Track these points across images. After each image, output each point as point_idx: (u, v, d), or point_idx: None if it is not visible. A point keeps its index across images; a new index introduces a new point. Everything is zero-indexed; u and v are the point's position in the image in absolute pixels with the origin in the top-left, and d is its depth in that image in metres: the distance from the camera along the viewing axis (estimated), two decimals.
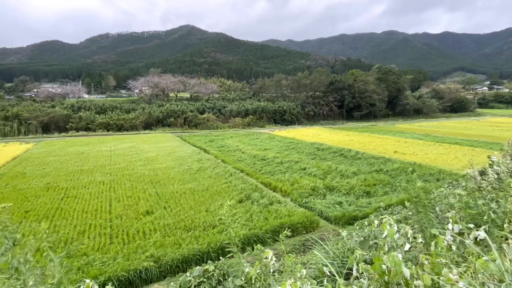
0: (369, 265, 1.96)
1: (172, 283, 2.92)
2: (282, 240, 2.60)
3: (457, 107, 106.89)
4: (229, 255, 2.61)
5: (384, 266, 1.86)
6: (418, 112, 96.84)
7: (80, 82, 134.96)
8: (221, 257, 3.38)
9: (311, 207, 18.46)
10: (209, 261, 3.26)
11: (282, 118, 78.49)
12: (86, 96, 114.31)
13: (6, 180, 25.65)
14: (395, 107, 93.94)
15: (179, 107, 75.54)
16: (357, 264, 2.05)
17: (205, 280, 2.88)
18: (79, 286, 2.32)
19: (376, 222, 3.48)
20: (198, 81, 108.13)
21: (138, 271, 11.61)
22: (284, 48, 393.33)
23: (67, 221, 16.46)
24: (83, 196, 21.01)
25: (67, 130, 63.74)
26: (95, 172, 27.78)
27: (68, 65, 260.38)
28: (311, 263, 3.45)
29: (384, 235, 2.47)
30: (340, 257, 3.28)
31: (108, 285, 3.00)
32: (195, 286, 2.83)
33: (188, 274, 2.99)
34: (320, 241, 4.82)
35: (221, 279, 2.86)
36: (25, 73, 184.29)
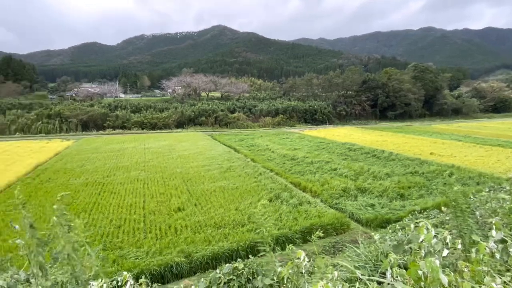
0: (404, 270, 1.90)
1: (202, 279, 2.97)
2: (314, 241, 2.57)
3: (500, 107, 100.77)
4: (261, 254, 2.61)
5: (420, 272, 1.79)
6: (457, 112, 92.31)
7: (117, 82, 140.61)
8: (250, 256, 3.39)
9: (342, 209, 18.14)
10: (238, 259, 3.29)
11: (312, 118, 77.64)
12: (122, 95, 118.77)
13: (48, 174, 27.24)
14: (432, 106, 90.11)
15: (210, 106, 76.75)
16: (391, 269, 1.99)
17: (234, 277, 2.90)
18: (116, 278, 2.42)
19: (412, 226, 3.36)
20: (229, 81, 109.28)
21: (169, 266, 11.94)
22: (316, 47, 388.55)
23: (103, 215, 17.22)
24: (118, 191, 21.88)
25: (104, 128, 66.60)
26: (130, 169, 28.83)
27: (106, 65, 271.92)
28: (342, 265, 3.39)
29: (420, 239, 2.38)
30: (373, 261, 3.19)
31: (141, 278, 3.10)
32: (224, 283, 2.86)
33: (218, 271, 3.03)
34: (351, 244, 4.72)
35: (250, 278, 2.87)
36: (67, 74, 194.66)
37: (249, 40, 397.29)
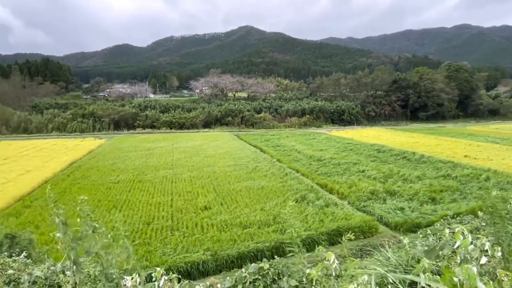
0: (438, 276, 1.82)
1: (228, 278, 3.00)
2: (345, 242, 2.53)
3: None
4: (289, 255, 2.60)
5: (456, 279, 1.72)
6: (494, 113, 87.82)
7: (147, 82, 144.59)
8: (275, 256, 3.39)
9: (370, 212, 17.75)
10: (264, 259, 3.29)
11: (340, 118, 76.42)
12: (152, 95, 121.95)
13: (82, 172, 28.44)
14: (466, 107, 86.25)
15: (236, 106, 77.35)
16: (424, 274, 1.92)
17: (260, 277, 2.91)
18: (150, 272, 2.50)
19: (446, 231, 3.23)
20: (255, 81, 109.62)
21: (196, 263, 12.15)
22: (344, 46, 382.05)
23: (133, 212, 17.77)
24: (148, 189, 22.50)
25: (134, 128, 68.72)
26: (158, 168, 29.57)
27: (137, 66, 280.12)
28: (371, 269, 3.31)
29: (456, 245, 2.28)
30: (403, 266, 3.10)
31: (169, 274, 3.17)
32: (250, 282, 2.87)
33: (243, 270, 3.04)
34: (380, 247, 4.59)
35: (276, 278, 2.87)
36: (100, 75, 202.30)
37: (276, 40, 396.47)
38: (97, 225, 1.85)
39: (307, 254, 2.52)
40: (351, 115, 76.52)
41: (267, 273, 2.93)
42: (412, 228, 15.31)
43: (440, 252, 2.62)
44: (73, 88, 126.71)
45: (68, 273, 3.54)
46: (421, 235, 9.27)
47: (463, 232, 2.34)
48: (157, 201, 19.78)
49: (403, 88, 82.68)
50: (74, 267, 1.96)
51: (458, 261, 2.14)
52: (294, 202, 18.70)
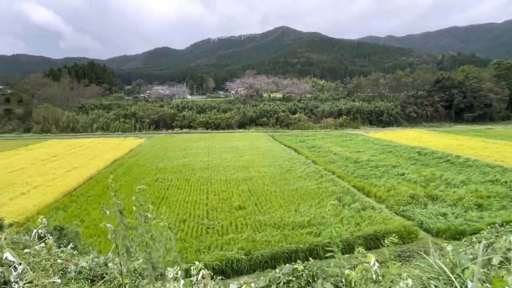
0: (488, 285, 1.70)
1: (262, 277, 2.98)
2: (386, 246, 2.43)
3: None
4: (328, 255, 2.54)
5: None
6: None
7: (185, 84, 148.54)
8: (310, 258, 3.33)
9: (410, 216, 17.05)
10: (298, 261, 3.25)
11: (378, 119, 73.99)
12: (189, 96, 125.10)
13: (124, 170, 29.78)
14: None
15: (271, 107, 77.37)
16: (472, 283, 1.80)
17: (294, 279, 2.87)
18: (189, 266, 2.56)
19: (506, 239, 3.02)
20: (290, 82, 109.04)
21: (230, 262, 12.28)
22: (383, 45, 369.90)
23: (170, 209, 18.32)
24: (184, 187, 23.11)
25: (173, 128, 70.90)
26: (194, 167, 30.27)
27: (175, 68, 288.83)
28: (411, 275, 3.17)
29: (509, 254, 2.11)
30: (447, 273, 2.93)
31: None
32: (284, 283, 2.84)
33: (277, 270, 3.02)
34: (420, 254, 4.40)
35: (310, 280, 2.82)
36: (140, 77, 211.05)
37: (312, 40, 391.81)
38: (149, 216, 1.92)
39: (349, 256, 2.44)
40: (390, 116, 73.84)
41: (301, 274, 2.88)
42: (456, 235, 14.52)
43: (489, 261, 2.45)
44: (116, 90, 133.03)
45: (110, 264, 3.71)
46: (466, 243, 8.75)
47: None
48: (193, 199, 20.26)
49: (447, 88, 78.45)
50: (125, 255, 2.04)
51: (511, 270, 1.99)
52: (334, 201, 18.38)
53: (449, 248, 5.09)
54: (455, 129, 65.62)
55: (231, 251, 12.95)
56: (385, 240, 2.49)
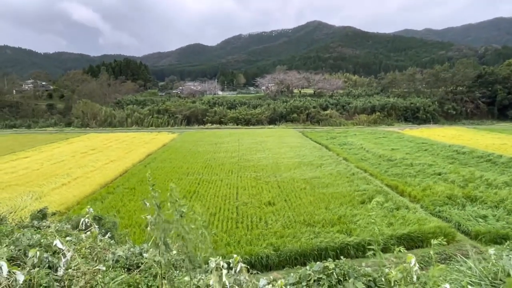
0: None
1: (292, 274, 2.97)
2: (433, 247, 2.35)
3: None
4: (371, 252, 2.48)
5: None
6: None
7: (216, 80, 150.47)
8: (341, 257, 3.28)
9: (446, 218, 16.35)
10: (328, 259, 3.21)
11: (414, 116, 71.20)
12: (220, 92, 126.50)
13: (157, 163, 30.71)
14: None
15: (302, 103, 76.64)
16: None
17: (324, 277, 2.83)
18: (228, 259, 2.63)
19: None
20: (322, 77, 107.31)
21: (259, 257, 12.35)
22: (420, 38, 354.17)
23: (201, 202, 18.70)
24: (215, 182, 23.48)
25: (204, 123, 72.18)
26: (225, 162, 30.66)
27: (206, 65, 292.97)
28: (449, 279, 3.04)
29: None
30: (489, 278, 2.79)
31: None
32: (314, 280, 2.82)
33: (308, 268, 2.99)
34: (457, 257, 4.21)
35: (341, 279, 2.77)
36: (173, 73, 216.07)
37: (345, 34, 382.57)
38: (184, 211, 1.98)
39: (388, 254, 2.37)
40: (427, 112, 70.77)
41: (332, 273, 2.84)
42: (497, 239, 13.71)
43: None
44: (150, 86, 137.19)
45: (145, 255, 3.85)
46: (508, 248, 8.26)
47: None
48: (224, 193, 20.55)
49: (490, 83, 74.00)
50: (164, 248, 2.11)
51: None
52: (359, 203, 18.00)
53: (491, 251, 4.84)
54: (498, 127, 61.83)
55: (260, 246, 13.02)
56: (432, 242, 2.39)
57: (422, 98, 76.61)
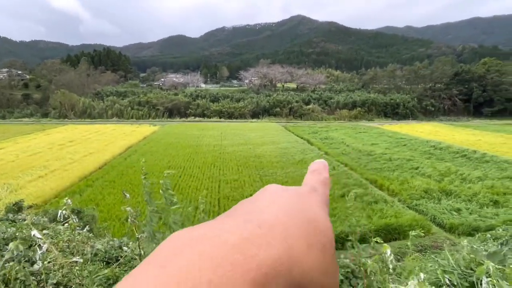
0: (504, 282, 1.68)
1: None
2: (411, 237, 2.43)
3: None
4: (348, 243, 2.54)
5: None
6: None
7: (199, 72, 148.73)
8: None
9: (423, 211, 16.86)
10: None
11: (394, 112, 72.72)
12: (203, 85, 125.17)
13: (137, 156, 30.21)
14: None
15: (285, 97, 76.96)
16: (488, 278, 1.78)
17: None
18: None
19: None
20: (305, 72, 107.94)
21: None
22: (402, 36, 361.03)
23: (183, 196, 18.56)
24: (197, 175, 23.36)
25: (186, 116, 71.39)
26: (207, 155, 30.51)
27: (189, 57, 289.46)
28: (425, 268, 3.16)
29: None
30: (461, 268, 2.91)
31: None
32: None
33: None
34: (432, 248, 4.37)
35: None
36: (155, 65, 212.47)
37: (329, 30, 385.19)
38: (174, 200, 1.97)
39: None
40: (406, 109, 72.44)
41: None
42: (469, 231, 14.28)
43: (504, 257, 2.41)
44: (131, 77, 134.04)
45: (124, 248, 3.82)
46: (479, 240, 8.62)
47: None
48: (205, 187, 20.49)
49: (466, 81, 76.38)
50: (151, 238, 2.10)
51: None
52: (339, 196, 18.30)
53: (464, 242, 5.04)
54: (473, 123, 63.99)
55: None
56: (410, 232, 2.47)
57: (402, 94, 78.26)
